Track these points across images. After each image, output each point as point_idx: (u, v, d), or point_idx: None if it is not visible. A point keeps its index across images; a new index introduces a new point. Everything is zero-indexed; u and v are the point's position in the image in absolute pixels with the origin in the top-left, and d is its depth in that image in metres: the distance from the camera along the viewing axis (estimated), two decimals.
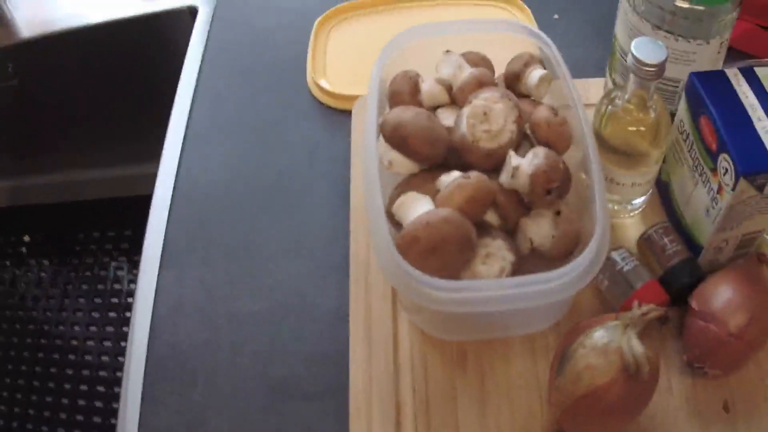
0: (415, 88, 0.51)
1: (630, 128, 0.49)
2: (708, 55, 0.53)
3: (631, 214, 0.55)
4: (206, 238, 0.56)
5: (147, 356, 0.52)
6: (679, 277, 0.49)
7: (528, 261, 0.49)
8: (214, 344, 0.52)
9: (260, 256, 0.54)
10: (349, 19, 0.66)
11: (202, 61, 0.64)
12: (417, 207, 0.46)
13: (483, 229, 0.48)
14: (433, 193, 0.47)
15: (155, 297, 0.54)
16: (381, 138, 0.49)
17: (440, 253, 0.43)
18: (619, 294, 0.49)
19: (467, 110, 0.48)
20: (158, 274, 0.55)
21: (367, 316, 0.50)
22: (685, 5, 0.49)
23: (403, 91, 0.51)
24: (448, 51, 0.52)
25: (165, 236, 0.56)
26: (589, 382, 0.40)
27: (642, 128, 0.49)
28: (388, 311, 0.50)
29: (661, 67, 0.45)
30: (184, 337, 0.52)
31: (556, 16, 0.67)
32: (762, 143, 0.45)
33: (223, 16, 0.69)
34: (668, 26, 0.51)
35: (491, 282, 0.43)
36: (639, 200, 0.54)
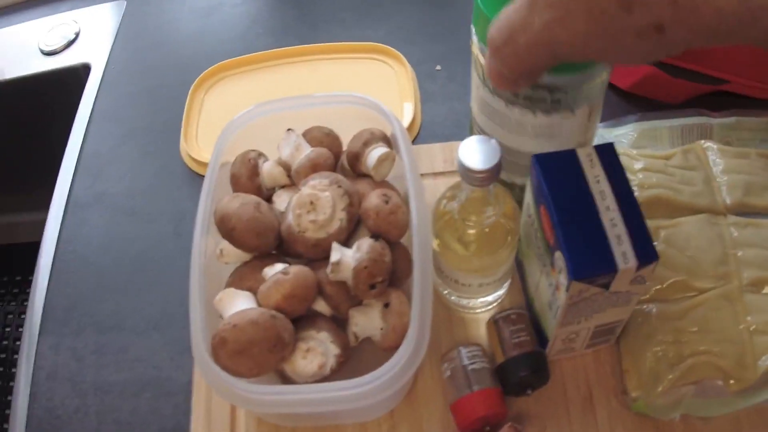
0: (254, 171, 0.50)
1: (469, 231, 0.45)
2: (576, 126, 0.46)
3: (488, 308, 0.52)
4: (80, 308, 0.58)
5: (27, 420, 0.55)
6: (515, 371, 0.47)
7: (364, 347, 0.49)
8: (82, 412, 0.54)
9: (125, 328, 0.56)
10: (222, 81, 0.65)
11: (88, 124, 0.65)
12: (234, 304, 0.46)
13: (310, 319, 0.48)
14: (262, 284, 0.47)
15: (35, 363, 0.57)
16: None
17: (249, 354, 0.43)
18: (457, 390, 0.47)
19: (294, 199, 0.47)
20: (37, 342, 0.58)
21: (207, 398, 0.51)
22: (546, 79, 0.42)
23: (242, 174, 0.50)
24: (289, 129, 0.51)
25: (45, 305, 0.58)
26: None
27: (486, 230, 0.45)
28: None
29: (494, 170, 0.40)
30: (59, 403, 0.55)
31: (438, 68, 0.64)
32: (604, 240, 0.40)
33: (113, 74, 0.70)
34: (524, 102, 0.44)
35: (293, 387, 0.43)
36: (494, 295, 0.51)
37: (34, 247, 0.61)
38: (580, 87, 0.44)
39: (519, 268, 0.52)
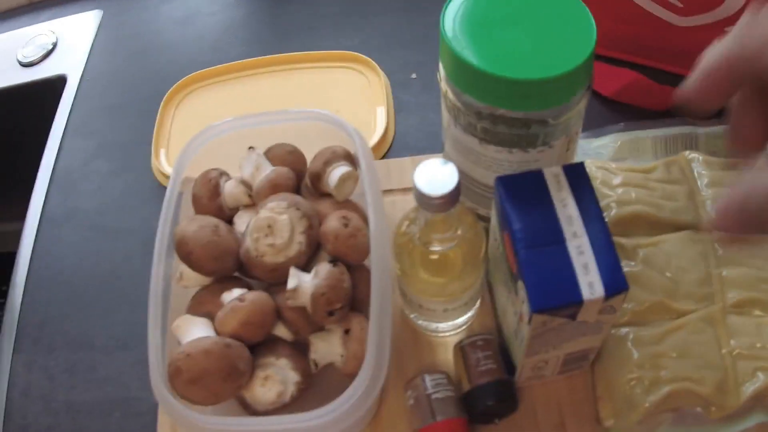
0: (215, 191, 0.49)
1: (431, 257, 0.42)
2: (554, 158, 0.44)
3: (457, 331, 0.50)
4: (52, 325, 0.58)
5: None
6: (481, 400, 0.45)
7: (330, 370, 0.47)
8: (55, 431, 0.55)
9: (95, 347, 0.56)
10: (194, 93, 0.63)
11: (62, 138, 0.64)
12: (191, 331, 0.45)
13: (270, 345, 0.46)
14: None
15: (9, 381, 0.57)
16: None
17: (203, 384, 0.43)
18: (420, 419, 0.45)
19: (252, 223, 0.46)
20: (11, 359, 0.58)
21: (173, 420, 0.51)
22: (518, 115, 0.40)
23: (202, 195, 0.49)
24: (250, 147, 0.50)
25: (18, 323, 0.58)
26: None
27: (450, 255, 0.42)
28: None
29: (451, 195, 0.37)
30: (32, 420, 0.55)
31: (413, 75, 0.62)
32: (569, 269, 0.37)
33: (88, 86, 0.68)
34: (499, 139, 0.42)
35: (245, 419, 0.43)
36: (462, 318, 0.49)
37: (10, 258, 0.61)
38: (558, 120, 0.41)
39: (490, 289, 0.51)
